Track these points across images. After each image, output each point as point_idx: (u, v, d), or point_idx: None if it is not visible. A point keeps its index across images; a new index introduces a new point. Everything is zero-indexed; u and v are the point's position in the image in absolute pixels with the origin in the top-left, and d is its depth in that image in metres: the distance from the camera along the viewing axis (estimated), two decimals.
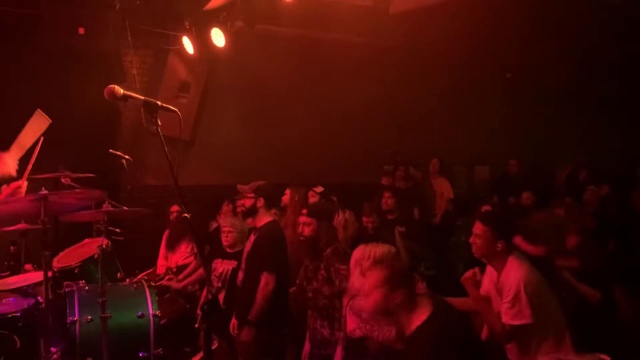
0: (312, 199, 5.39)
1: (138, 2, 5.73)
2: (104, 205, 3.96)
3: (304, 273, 3.79)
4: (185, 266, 5.52)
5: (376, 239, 2.70)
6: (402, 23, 5.87)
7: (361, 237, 4.50)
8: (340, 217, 4.54)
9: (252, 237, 4.03)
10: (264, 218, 3.97)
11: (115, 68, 6.15)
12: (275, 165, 6.76)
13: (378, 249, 2.38)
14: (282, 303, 3.87)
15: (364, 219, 5.05)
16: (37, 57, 5.85)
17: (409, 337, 2.32)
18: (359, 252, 2.43)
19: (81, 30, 5.74)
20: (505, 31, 6.36)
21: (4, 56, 5.66)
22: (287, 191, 5.21)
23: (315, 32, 6.68)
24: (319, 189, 5.61)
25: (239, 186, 4.10)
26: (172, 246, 5.74)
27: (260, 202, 3.96)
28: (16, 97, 5.75)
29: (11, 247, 4.59)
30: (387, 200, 5.35)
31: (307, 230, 3.69)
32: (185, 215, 2.28)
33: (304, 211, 3.83)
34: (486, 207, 4.63)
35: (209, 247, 5.05)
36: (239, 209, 4.24)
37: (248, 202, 4.01)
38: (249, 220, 4.36)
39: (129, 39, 5.99)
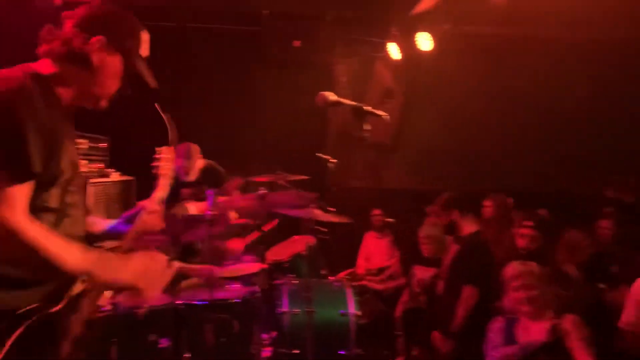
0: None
1: (349, 12, 5.97)
2: (313, 207, 4.21)
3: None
4: (384, 268, 5.60)
5: None
6: (622, 15, 5.13)
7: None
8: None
9: (455, 247, 3.89)
10: (468, 228, 3.81)
11: (325, 77, 6.51)
12: (475, 171, 6.47)
13: None
14: (485, 317, 3.66)
15: None
16: (255, 69, 6.48)
17: None
18: None
19: (297, 43, 6.21)
20: None
21: (225, 69, 6.37)
22: (488, 202, 4.92)
23: (524, 30, 6.21)
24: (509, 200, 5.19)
25: (428, 209, 4.01)
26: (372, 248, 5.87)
27: (455, 215, 3.83)
28: (234, 107, 6.46)
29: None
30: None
31: (525, 243, 3.45)
32: (389, 219, 2.29)
33: (529, 222, 3.60)
34: None
35: (409, 251, 5.04)
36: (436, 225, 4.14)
37: (443, 220, 3.91)
38: None
39: (339, 48, 6.27)
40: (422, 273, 4.40)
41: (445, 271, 3.90)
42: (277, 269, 4.38)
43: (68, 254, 1.49)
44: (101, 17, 1.67)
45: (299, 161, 6.01)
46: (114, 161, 4.89)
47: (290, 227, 5.31)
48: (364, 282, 5.33)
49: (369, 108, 2.29)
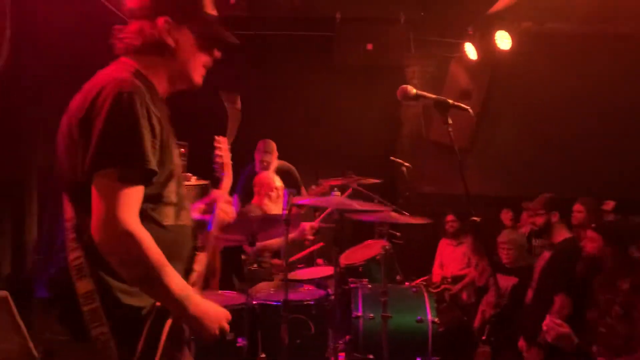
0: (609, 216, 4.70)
1: (422, 14, 5.86)
2: (387, 211, 4.12)
3: (595, 302, 3.29)
4: (461, 277, 5.40)
5: None
6: None
7: None
8: None
9: (547, 254, 3.68)
10: (562, 234, 3.59)
11: (398, 80, 6.41)
12: (560, 177, 6.11)
13: None
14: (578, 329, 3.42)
15: None
16: (329, 74, 6.48)
17: None
18: None
19: (369, 46, 6.17)
20: None
21: (299, 74, 6.41)
22: (579, 207, 4.63)
23: (612, 27, 5.83)
24: (610, 205, 4.87)
25: (524, 204, 3.81)
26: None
27: (556, 217, 3.60)
28: (307, 111, 6.49)
29: (306, 242, 5.12)
30: None
31: (589, 247, 3.19)
32: (475, 218, 2.17)
33: (593, 225, 3.35)
34: None
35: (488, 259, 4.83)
36: (528, 227, 3.91)
37: (539, 220, 3.67)
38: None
39: (412, 50, 6.17)
40: (502, 282, 4.18)
41: (535, 279, 3.68)
42: (351, 272, 4.32)
43: (172, 274, 1.47)
44: None
45: (372, 165, 5.96)
46: (190, 165, 5.04)
47: (364, 231, 5.24)
48: (440, 289, 5.17)
49: (453, 101, 2.17)
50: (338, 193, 3.65)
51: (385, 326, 3.41)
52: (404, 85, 2.18)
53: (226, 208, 1.89)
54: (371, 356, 3.45)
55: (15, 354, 3.76)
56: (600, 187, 5.87)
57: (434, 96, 2.22)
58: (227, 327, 1.59)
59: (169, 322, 1.51)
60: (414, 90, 2.18)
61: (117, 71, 1.55)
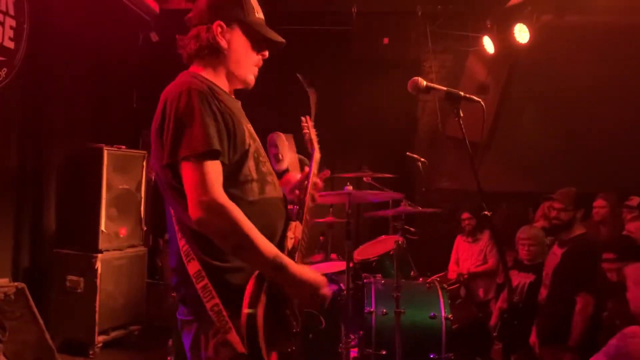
0: (629, 214, 4.60)
1: (439, 7, 5.80)
2: (402, 205, 4.09)
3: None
4: (476, 274, 5.34)
5: None
6: None
7: None
8: None
9: (558, 250, 3.60)
10: (577, 230, 3.52)
11: (415, 73, 6.32)
12: (581, 172, 6.00)
13: None
14: (596, 327, 3.36)
15: None
16: (345, 67, 6.45)
17: None
18: None
19: (385, 40, 6.13)
20: None
21: (317, 68, 6.39)
22: (602, 202, 4.54)
23: (634, 19, 5.69)
24: (635, 200, 4.75)
25: (546, 203, 3.74)
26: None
27: (581, 214, 3.54)
28: (324, 106, 6.45)
29: (320, 237, 5.12)
30: None
31: None
32: (486, 213, 2.12)
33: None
34: None
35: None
36: (553, 222, 3.84)
37: (565, 216, 3.60)
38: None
39: (429, 44, 6.10)
40: (519, 279, 4.11)
41: (549, 276, 3.61)
42: (365, 268, 4.30)
43: (264, 241, 1.60)
44: (207, 4, 1.80)
45: (388, 160, 5.92)
46: None
47: (378, 226, 5.20)
48: (456, 286, 5.12)
49: (464, 93, 2.13)
50: (350, 187, 3.63)
51: (398, 322, 3.39)
52: (415, 77, 2.14)
53: (315, 186, 2.00)
54: (384, 352, 3.42)
55: (33, 345, 3.83)
56: (622, 182, 5.74)
57: (444, 88, 2.18)
58: (328, 292, 1.69)
59: (263, 293, 1.61)
60: (424, 82, 2.14)
61: (180, 78, 1.74)
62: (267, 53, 1.88)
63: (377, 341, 3.47)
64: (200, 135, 1.57)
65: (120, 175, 4.76)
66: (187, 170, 1.58)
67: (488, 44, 5.80)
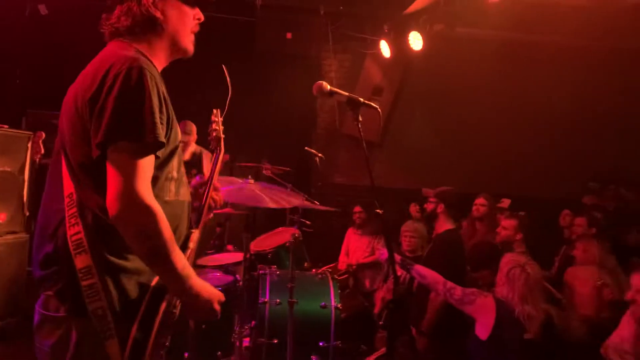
0: (502, 214, 5.09)
1: (341, 8, 5.98)
2: (300, 199, 4.22)
3: None
4: (364, 265, 5.63)
5: None
6: (610, 21, 5.21)
7: None
8: None
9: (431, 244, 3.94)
10: (444, 225, 3.85)
11: (315, 71, 6.52)
12: (464, 172, 6.53)
13: None
14: (456, 315, 3.70)
15: None
16: (247, 60, 6.45)
17: None
18: None
19: (289, 35, 6.21)
20: None
21: (217, 59, 6.32)
22: (482, 200, 4.99)
23: (518, 35, 6.28)
24: (506, 202, 5.29)
25: (423, 190, 4.06)
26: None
27: (441, 208, 3.85)
28: (223, 94, 6.40)
29: (217, 229, 5.12)
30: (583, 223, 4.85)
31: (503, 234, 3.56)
32: (378, 211, 2.30)
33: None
34: None
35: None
36: (426, 215, 4.22)
37: (429, 207, 3.95)
38: None
39: (330, 43, 6.28)
40: (402, 270, 4.42)
41: None
42: (261, 259, 4.38)
43: (178, 251, 1.51)
44: None
45: (286, 153, 6.04)
46: None
47: (275, 218, 5.30)
48: (345, 277, 5.37)
49: (364, 100, 2.28)
50: (252, 180, 3.69)
51: (292, 311, 3.50)
52: (320, 82, 2.25)
53: (213, 194, 1.90)
54: (276, 341, 3.52)
55: None
56: (499, 184, 6.34)
57: (346, 94, 2.31)
58: (218, 308, 1.64)
59: (165, 301, 1.54)
60: (328, 87, 2.25)
61: (122, 49, 1.56)
62: (202, 15, 1.77)
63: (270, 330, 3.55)
64: (149, 123, 1.44)
65: (1, 157, 4.44)
66: (121, 158, 1.43)
67: (385, 48, 6.09)
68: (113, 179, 1.43)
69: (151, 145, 1.47)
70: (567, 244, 4.67)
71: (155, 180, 1.53)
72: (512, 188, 6.23)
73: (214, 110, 2.16)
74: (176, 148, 1.62)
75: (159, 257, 1.47)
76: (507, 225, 4.51)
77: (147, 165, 1.46)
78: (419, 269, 3.34)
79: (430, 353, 3.67)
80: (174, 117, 1.61)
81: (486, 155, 6.78)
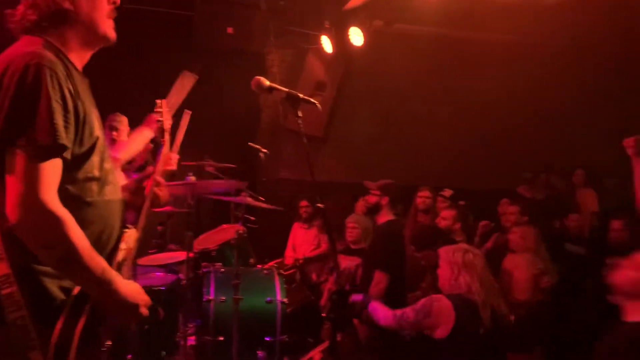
0: (442, 203, 5.26)
1: (282, 2, 5.97)
2: (242, 195, 4.20)
3: None
4: (311, 258, 5.69)
5: None
6: (552, 19, 5.47)
7: None
8: None
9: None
10: (385, 216, 3.94)
11: (258, 66, 6.48)
12: (406, 165, 6.68)
13: None
14: (398, 305, 3.80)
15: None
16: (187, 55, 6.34)
17: None
18: None
19: (229, 30, 6.12)
20: None
21: (155, 54, 6.20)
22: (426, 192, 5.12)
23: (456, 31, 6.48)
24: (448, 192, 5.46)
25: (365, 182, 4.13)
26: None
27: (385, 201, 3.94)
28: (165, 93, 6.28)
29: (159, 227, 5.02)
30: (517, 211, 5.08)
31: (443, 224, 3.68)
32: (319, 205, 2.33)
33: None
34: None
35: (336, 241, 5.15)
36: (364, 206, 4.30)
37: (372, 199, 4.02)
38: None
39: (272, 38, 6.26)
40: (345, 262, 4.50)
41: (363, 258, 4.03)
42: (205, 257, 4.34)
43: (93, 255, 1.43)
44: None
45: (230, 150, 5.97)
46: None
47: (219, 215, 5.25)
48: (292, 271, 5.40)
49: (303, 95, 2.30)
50: (193, 177, 3.65)
51: (237, 308, 3.50)
52: (258, 77, 2.24)
53: (159, 185, 1.84)
54: (221, 338, 3.51)
55: None
56: (439, 176, 6.52)
57: (285, 90, 2.32)
58: (145, 312, 1.56)
59: (86, 307, 1.47)
60: (267, 82, 2.26)
61: (25, 46, 1.47)
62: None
63: (215, 328, 3.55)
64: (46, 124, 1.36)
65: None
66: (19, 161, 1.34)
67: (326, 44, 6.13)
68: (11, 185, 1.35)
69: (51, 148, 1.38)
70: (500, 232, 4.88)
71: (73, 181, 1.47)
72: (453, 180, 6.42)
73: (158, 102, 2.07)
74: (94, 146, 1.53)
75: (70, 265, 1.40)
76: (446, 216, 4.67)
77: (49, 169, 1.38)
78: (371, 307, 3.23)
79: (372, 342, 3.74)
80: (91, 113, 1.54)
81: (427, 148, 6.97)
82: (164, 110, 2.07)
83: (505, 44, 6.46)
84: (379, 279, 3.70)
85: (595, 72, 6.54)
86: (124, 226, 1.68)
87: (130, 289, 1.53)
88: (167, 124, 2.07)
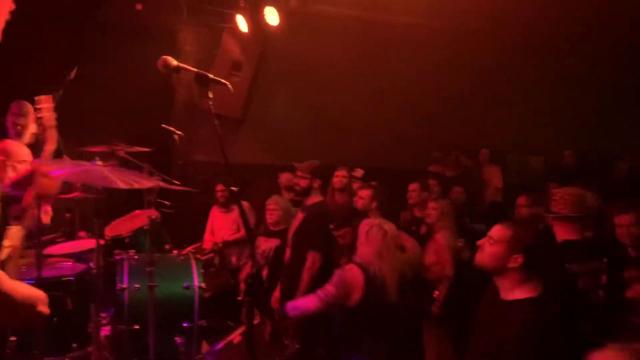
0: (357, 183, 5.36)
1: None
2: (154, 179, 4.06)
3: None
4: (230, 242, 5.63)
5: None
6: (457, 3, 5.68)
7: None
8: None
9: (300, 215, 4.04)
10: (314, 198, 3.98)
11: (170, 44, 6.26)
12: (323, 145, 6.73)
13: None
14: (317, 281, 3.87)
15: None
16: (96, 32, 6.01)
17: None
18: None
19: (138, 7, 5.86)
20: (569, 16, 6.08)
21: (64, 32, 5.83)
22: (342, 172, 5.19)
23: (369, 14, 6.58)
24: (359, 172, 5.57)
25: (296, 165, 4.13)
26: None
27: (317, 184, 3.97)
28: (69, 72, 5.92)
29: (67, 214, 4.76)
30: (434, 188, 5.26)
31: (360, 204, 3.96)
32: (233, 188, 2.29)
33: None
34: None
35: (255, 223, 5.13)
36: (295, 189, 4.28)
37: (304, 182, 4.02)
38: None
39: (185, 15, 6.06)
40: (265, 244, 4.49)
41: (290, 239, 4.04)
42: (118, 244, 4.19)
43: None
44: None
45: (143, 132, 5.73)
46: None
47: (131, 201, 5.05)
48: (211, 255, 5.33)
49: (212, 76, 2.24)
50: (100, 162, 3.48)
51: (152, 296, 3.41)
52: (165, 57, 2.15)
53: (45, 181, 1.74)
54: (137, 327, 3.41)
55: None
56: (355, 156, 6.63)
57: (194, 70, 2.24)
58: (45, 310, 1.47)
59: None
60: (175, 62, 2.17)
61: None
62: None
63: (130, 316, 3.44)
64: None
65: None
66: None
67: (242, 23, 6.02)
68: None
69: None
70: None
71: None
72: (367, 159, 6.56)
73: (37, 98, 1.95)
74: None
75: None
76: (363, 195, 4.76)
77: None
78: (292, 305, 3.29)
79: (286, 319, 3.78)
80: None
81: (344, 128, 7.06)
82: (45, 106, 1.95)
83: (417, 26, 6.64)
84: (314, 259, 3.75)
85: (498, 54, 6.90)
86: (7, 223, 1.57)
87: (22, 287, 1.45)
88: (49, 120, 1.96)
